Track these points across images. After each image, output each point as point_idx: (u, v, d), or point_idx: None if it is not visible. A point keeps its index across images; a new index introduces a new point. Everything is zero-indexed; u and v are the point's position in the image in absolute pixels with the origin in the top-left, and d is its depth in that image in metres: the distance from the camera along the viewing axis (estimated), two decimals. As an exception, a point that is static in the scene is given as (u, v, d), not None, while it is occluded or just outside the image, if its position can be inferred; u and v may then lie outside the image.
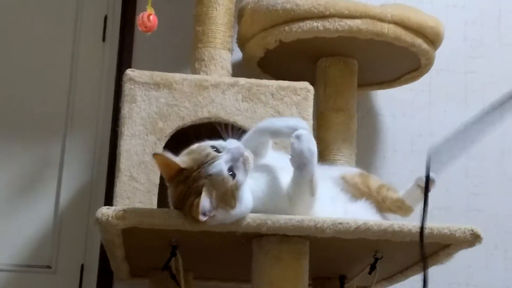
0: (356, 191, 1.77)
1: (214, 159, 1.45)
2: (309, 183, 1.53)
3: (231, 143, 1.49)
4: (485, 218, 2.41)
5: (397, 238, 1.56)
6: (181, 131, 1.82)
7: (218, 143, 1.50)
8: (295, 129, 1.51)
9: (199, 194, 1.41)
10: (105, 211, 1.45)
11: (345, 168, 1.97)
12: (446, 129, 2.38)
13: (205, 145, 1.49)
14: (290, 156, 1.52)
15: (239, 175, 1.46)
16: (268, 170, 1.58)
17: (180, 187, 1.46)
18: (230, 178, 1.44)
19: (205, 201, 1.41)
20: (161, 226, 1.46)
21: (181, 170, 1.46)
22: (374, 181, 1.80)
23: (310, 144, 1.51)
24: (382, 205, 1.77)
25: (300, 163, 1.50)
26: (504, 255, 2.40)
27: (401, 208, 1.77)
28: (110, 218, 1.44)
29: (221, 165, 1.44)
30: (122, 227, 1.46)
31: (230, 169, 1.45)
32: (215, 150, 1.47)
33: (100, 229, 1.50)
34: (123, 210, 1.45)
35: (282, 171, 1.58)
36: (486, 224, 2.40)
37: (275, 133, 1.57)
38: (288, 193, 1.55)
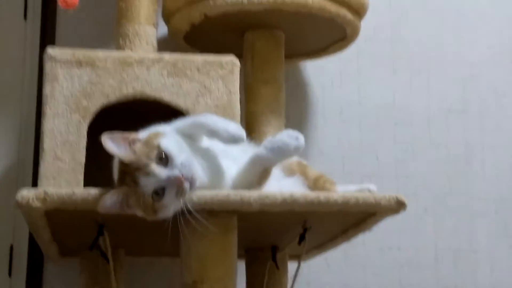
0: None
1: (148, 174, 1.42)
2: (264, 171, 1.56)
3: (182, 166, 1.44)
4: (414, 183, 2.47)
5: (323, 209, 1.58)
6: (107, 109, 1.80)
7: (172, 152, 1.44)
8: (234, 136, 1.51)
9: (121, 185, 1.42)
10: (25, 194, 1.43)
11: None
12: (375, 97, 2.47)
13: (157, 148, 1.44)
14: (271, 137, 1.55)
15: (166, 199, 1.43)
16: (208, 154, 1.56)
17: (121, 166, 1.46)
18: (151, 200, 1.42)
19: (107, 199, 1.41)
20: (85, 206, 1.45)
21: None
22: (312, 172, 1.80)
23: (299, 144, 1.53)
24: None
25: (276, 148, 1.53)
26: (434, 219, 2.46)
27: None
28: (30, 201, 1.42)
29: (150, 185, 1.42)
30: (44, 209, 1.44)
31: (162, 188, 1.43)
32: (162, 158, 1.43)
33: (22, 212, 1.48)
34: (44, 192, 1.43)
35: (222, 155, 1.58)
36: (415, 189, 2.46)
37: (212, 133, 1.53)
38: (234, 177, 1.57)
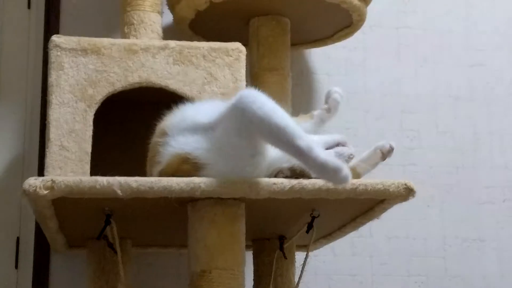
0: None
1: None
2: None
3: None
4: (421, 171, 2.45)
5: (332, 196, 1.56)
6: (112, 97, 1.79)
7: None
8: None
9: None
10: (32, 182, 1.41)
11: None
12: (380, 86, 2.46)
13: None
14: None
15: None
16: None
17: None
18: None
19: None
20: (92, 195, 1.43)
21: None
22: None
23: None
24: None
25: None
26: (441, 207, 2.44)
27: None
28: (38, 189, 1.40)
29: None
30: (51, 198, 1.42)
31: None
32: None
33: (29, 201, 1.46)
34: (51, 180, 1.41)
35: None
36: (422, 177, 2.44)
37: None
38: None
